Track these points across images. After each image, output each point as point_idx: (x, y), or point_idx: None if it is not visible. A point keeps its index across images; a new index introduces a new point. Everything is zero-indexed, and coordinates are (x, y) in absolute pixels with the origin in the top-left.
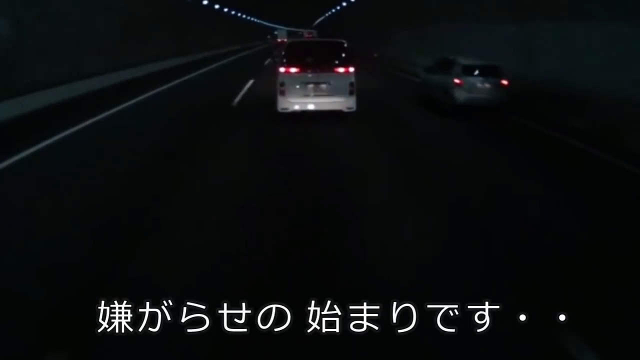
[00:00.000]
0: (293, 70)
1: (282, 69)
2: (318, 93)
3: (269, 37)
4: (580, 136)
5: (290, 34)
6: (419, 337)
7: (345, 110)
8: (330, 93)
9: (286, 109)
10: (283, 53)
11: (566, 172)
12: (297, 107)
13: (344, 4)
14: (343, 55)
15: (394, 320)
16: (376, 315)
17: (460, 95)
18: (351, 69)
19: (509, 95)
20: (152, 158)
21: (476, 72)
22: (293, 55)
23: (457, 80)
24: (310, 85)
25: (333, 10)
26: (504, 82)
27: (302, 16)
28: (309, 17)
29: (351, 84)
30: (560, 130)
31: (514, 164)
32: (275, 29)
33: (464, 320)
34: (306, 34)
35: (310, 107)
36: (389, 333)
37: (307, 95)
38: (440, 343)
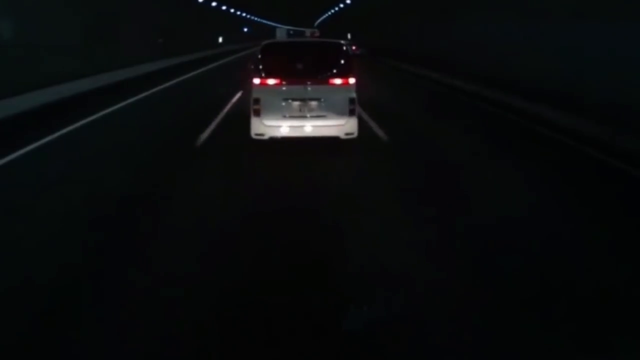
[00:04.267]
0: (271, 82)
1: (256, 80)
2: (306, 114)
3: (221, 40)
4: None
5: (290, 35)
6: (420, 337)
7: (343, 137)
8: (323, 113)
9: (262, 134)
10: (259, 57)
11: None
12: (277, 133)
13: (348, 0)
14: (341, 61)
15: (393, 320)
16: (375, 314)
17: None
18: (351, 80)
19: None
20: None
21: None
22: (272, 62)
23: None
24: (296, 103)
25: (335, 9)
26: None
27: (303, 15)
28: (310, 17)
29: (351, 101)
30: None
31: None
32: (252, 22)
33: (463, 320)
34: (309, 33)
35: (295, 132)
36: (389, 333)
37: (290, 117)
38: (440, 343)
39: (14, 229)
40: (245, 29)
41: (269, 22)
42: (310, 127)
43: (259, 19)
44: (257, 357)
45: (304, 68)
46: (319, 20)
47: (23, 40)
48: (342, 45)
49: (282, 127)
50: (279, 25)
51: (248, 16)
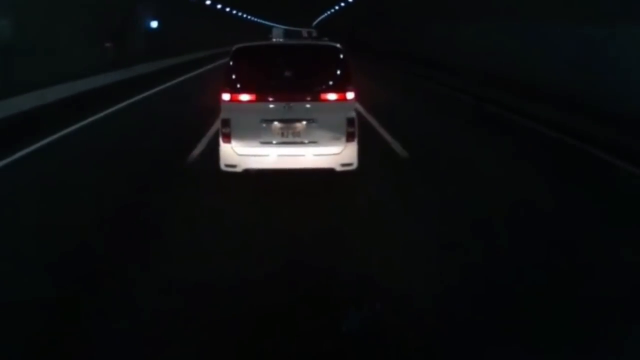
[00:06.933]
0: (245, 97)
1: (226, 96)
2: (291, 139)
3: None
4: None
5: (287, 35)
6: (419, 337)
7: (339, 168)
8: (313, 139)
9: (233, 166)
10: (230, 65)
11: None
12: (253, 164)
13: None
14: (337, 70)
15: (392, 320)
16: (377, 314)
17: None
18: (350, 95)
19: None
20: None
21: None
22: (246, 72)
23: None
24: (277, 126)
25: (333, 10)
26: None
27: (301, 15)
28: (307, 17)
29: (350, 122)
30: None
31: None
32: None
33: (465, 319)
34: (305, 33)
35: (278, 163)
36: (389, 333)
37: (271, 143)
38: (439, 342)
39: None
40: (154, 24)
41: (266, 22)
42: (296, 157)
43: (257, 19)
44: None
45: (288, 80)
46: (317, 20)
47: None
48: (337, 49)
49: (260, 157)
50: (276, 25)
51: (247, 16)
